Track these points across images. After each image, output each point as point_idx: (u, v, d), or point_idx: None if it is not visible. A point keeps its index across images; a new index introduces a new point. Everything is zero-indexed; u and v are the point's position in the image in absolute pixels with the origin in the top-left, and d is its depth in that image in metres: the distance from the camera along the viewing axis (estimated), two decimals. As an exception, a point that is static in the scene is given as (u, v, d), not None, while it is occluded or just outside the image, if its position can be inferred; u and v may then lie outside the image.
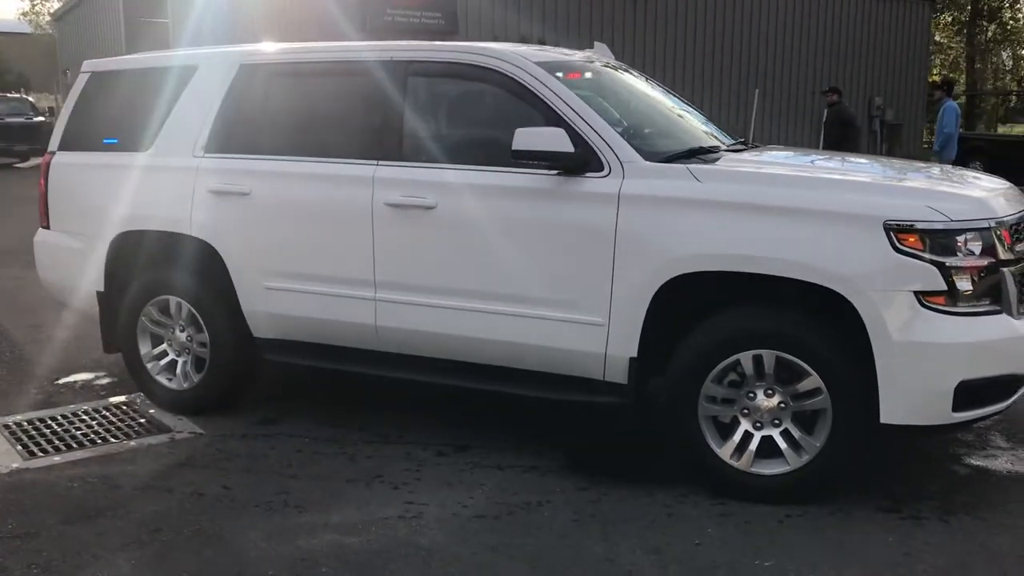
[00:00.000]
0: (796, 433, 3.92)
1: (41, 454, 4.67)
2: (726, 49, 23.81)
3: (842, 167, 4.77)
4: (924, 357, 3.65)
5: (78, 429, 5.02)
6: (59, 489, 4.23)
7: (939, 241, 3.66)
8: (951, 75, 40.58)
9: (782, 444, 3.94)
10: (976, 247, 3.69)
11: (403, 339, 4.62)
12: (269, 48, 5.08)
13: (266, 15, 17.73)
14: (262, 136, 4.91)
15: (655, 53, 22.25)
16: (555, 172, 4.20)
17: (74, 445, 4.78)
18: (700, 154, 4.43)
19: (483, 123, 4.69)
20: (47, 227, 5.61)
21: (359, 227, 4.57)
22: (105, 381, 5.86)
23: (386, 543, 3.67)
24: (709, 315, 4.00)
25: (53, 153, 5.56)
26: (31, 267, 5.91)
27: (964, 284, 3.67)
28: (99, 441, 4.85)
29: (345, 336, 4.78)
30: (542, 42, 20.01)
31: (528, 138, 4.08)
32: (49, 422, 5.12)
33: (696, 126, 5.03)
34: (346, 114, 4.79)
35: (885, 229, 3.66)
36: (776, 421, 3.96)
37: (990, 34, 36.75)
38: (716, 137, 4.95)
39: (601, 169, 4.12)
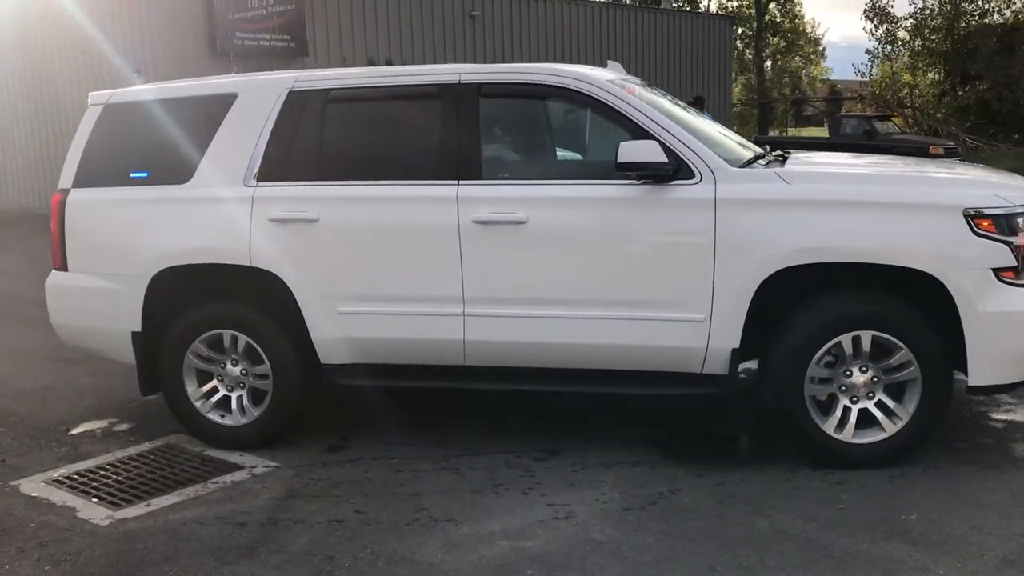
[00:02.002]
0: (890, 403, 4.40)
1: (125, 503, 4.46)
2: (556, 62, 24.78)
3: (895, 166, 5.27)
4: (1006, 324, 4.21)
5: (140, 476, 4.80)
6: (183, 533, 4.09)
7: (1005, 223, 4.23)
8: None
9: (878, 414, 4.40)
10: (1030, 227, 4.30)
11: (495, 351, 4.75)
12: (319, 74, 5.06)
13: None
14: (326, 162, 4.91)
15: (491, 71, 22.86)
16: (641, 182, 4.49)
17: (152, 492, 4.59)
18: (760, 159, 4.85)
19: (561, 140, 4.91)
20: (63, 268, 5.30)
21: (445, 245, 4.66)
22: (125, 427, 5.58)
23: (565, 542, 3.83)
24: (803, 304, 4.41)
25: (67, 191, 5.27)
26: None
27: (1025, 259, 4.27)
28: (174, 485, 4.67)
29: (428, 354, 4.85)
30: (388, 63, 20.18)
31: (630, 151, 4.35)
32: (101, 473, 4.86)
33: (730, 135, 5.44)
34: (417, 137, 4.86)
35: (964, 216, 4.20)
36: (870, 394, 4.41)
37: (773, 47, 40.08)
38: (751, 146, 5.38)
39: (692, 176, 4.45)
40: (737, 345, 4.44)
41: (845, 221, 4.29)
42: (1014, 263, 4.22)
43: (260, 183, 4.93)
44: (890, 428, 4.40)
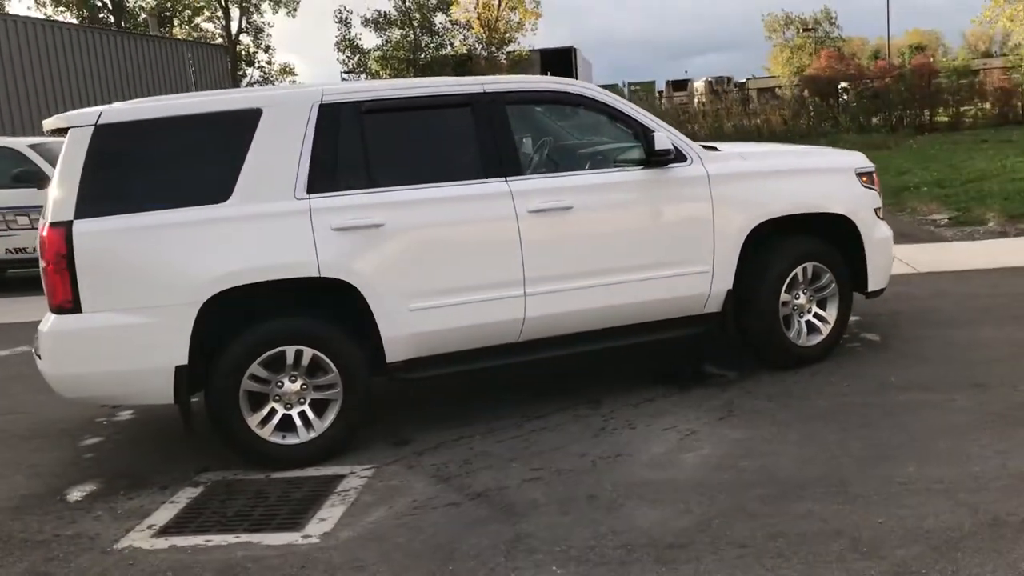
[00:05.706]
0: (823, 313, 6.09)
1: (291, 527, 4.31)
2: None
3: (784, 146, 6.93)
4: (884, 246, 6.18)
5: (248, 508, 4.60)
6: (416, 524, 4.20)
7: (871, 178, 6.20)
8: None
9: (817, 323, 6.07)
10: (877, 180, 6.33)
11: (550, 324, 5.44)
12: (344, 87, 5.19)
13: None
14: (376, 170, 5.13)
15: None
16: (640, 167, 5.59)
17: (298, 513, 4.47)
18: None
19: (580, 137, 5.75)
20: (74, 310, 4.69)
21: (506, 234, 5.26)
22: (125, 481, 5.04)
23: (724, 444, 4.83)
24: (765, 248, 5.88)
25: (68, 223, 4.68)
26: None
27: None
28: (303, 504, 4.57)
29: (490, 335, 5.35)
30: None
31: (661, 141, 5.44)
32: (201, 517, 4.53)
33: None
34: (458, 141, 5.34)
35: (856, 174, 6.06)
36: (808, 309, 6.06)
37: (249, 79, 41.02)
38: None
39: (685, 160, 5.67)
40: (731, 287, 5.77)
41: (796, 185, 5.91)
42: (880, 205, 6.21)
43: (313, 195, 4.98)
44: (825, 331, 6.09)
